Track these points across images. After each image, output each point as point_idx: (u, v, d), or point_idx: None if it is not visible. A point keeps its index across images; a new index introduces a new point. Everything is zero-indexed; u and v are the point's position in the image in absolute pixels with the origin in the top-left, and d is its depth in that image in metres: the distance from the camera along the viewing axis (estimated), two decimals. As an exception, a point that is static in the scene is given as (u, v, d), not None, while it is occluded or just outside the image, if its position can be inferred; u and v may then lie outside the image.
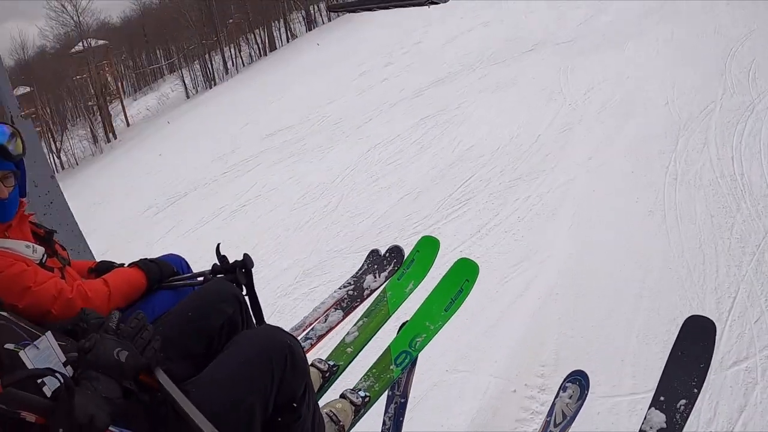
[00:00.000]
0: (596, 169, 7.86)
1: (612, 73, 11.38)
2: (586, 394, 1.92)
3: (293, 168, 11.97)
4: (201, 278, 1.93)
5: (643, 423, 1.75)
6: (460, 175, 8.81)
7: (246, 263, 1.90)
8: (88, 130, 39.61)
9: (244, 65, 41.58)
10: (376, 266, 2.49)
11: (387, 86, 15.96)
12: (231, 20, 45.06)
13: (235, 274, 1.88)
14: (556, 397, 1.98)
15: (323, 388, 1.98)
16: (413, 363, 2.18)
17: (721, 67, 9.94)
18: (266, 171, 12.45)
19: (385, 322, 2.30)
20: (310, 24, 41.19)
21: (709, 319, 1.82)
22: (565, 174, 7.92)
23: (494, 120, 10.77)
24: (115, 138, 38.29)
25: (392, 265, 2.47)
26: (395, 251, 2.50)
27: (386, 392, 2.15)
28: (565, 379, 1.99)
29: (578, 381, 1.96)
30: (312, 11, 41.25)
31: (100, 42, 44.88)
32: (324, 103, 16.20)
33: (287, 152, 13.23)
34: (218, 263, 1.91)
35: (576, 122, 9.71)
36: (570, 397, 1.93)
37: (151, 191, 14.69)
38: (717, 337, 2.45)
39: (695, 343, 1.80)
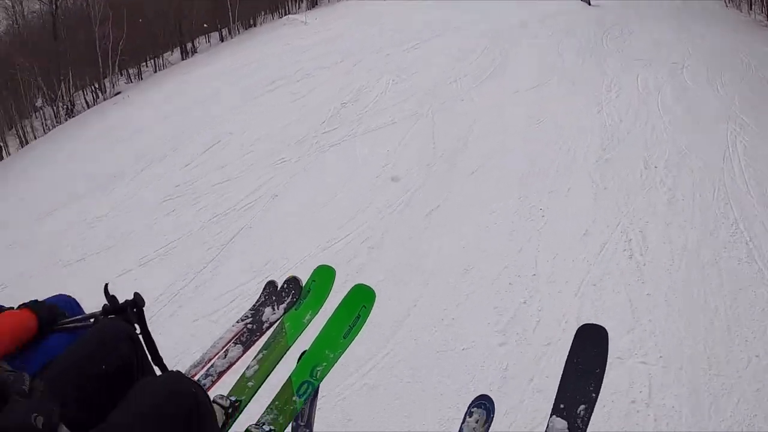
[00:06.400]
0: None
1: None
2: (492, 417, 2.02)
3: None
4: (92, 320, 1.83)
5: (546, 430, 1.85)
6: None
7: (137, 302, 1.88)
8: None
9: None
10: (274, 298, 2.48)
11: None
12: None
13: (127, 313, 1.84)
14: (462, 422, 2.06)
15: (227, 425, 1.93)
16: (315, 392, 2.20)
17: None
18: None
19: (285, 353, 2.31)
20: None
21: (601, 326, 1.96)
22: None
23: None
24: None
25: (290, 296, 2.49)
26: (292, 282, 2.52)
27: (290, 424, 2.15)
28: (470, 405, 2.08)
29: (483, 405, 2.06)
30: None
31: None
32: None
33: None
34: (108, 303, 1.84)
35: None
36: (477, 422, 2.03)
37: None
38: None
39: (590, 350, 1.92)
